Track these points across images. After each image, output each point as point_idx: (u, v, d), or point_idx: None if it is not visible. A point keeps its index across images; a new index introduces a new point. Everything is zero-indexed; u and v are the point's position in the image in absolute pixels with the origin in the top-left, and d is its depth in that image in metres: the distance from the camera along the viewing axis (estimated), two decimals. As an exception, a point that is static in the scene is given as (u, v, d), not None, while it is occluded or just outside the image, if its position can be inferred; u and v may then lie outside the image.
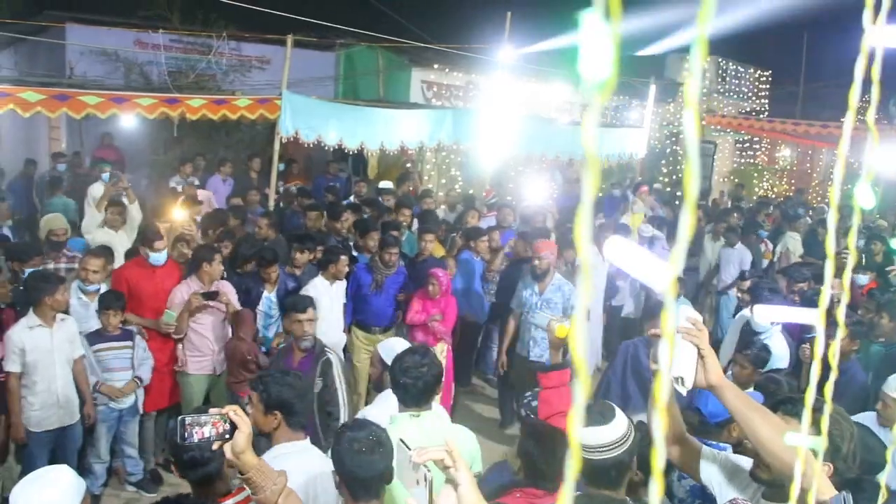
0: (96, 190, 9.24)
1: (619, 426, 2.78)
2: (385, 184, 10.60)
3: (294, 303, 5.25)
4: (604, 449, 2.74)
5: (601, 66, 0.57)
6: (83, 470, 5.69)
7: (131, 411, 5.89)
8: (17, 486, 2.73)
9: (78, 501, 2.74)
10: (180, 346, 6.15)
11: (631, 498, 2.77)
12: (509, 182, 13.68)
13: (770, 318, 5.41)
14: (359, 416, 4.00)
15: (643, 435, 2.87)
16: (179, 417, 2.21)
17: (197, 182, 10.18)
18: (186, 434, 2.18)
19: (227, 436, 2.22)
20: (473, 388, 8.52)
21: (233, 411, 2.25)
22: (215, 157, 11.70)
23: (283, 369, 3.69)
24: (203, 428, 2.19)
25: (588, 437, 2.78)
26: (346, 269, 6.78)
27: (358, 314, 7.11)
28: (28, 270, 6.01)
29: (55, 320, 5.28)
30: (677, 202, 13.33)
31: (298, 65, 9.47)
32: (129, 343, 5.77)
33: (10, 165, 11.64)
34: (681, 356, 2.34)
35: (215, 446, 2.24)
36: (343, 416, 4.89)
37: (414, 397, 3.41)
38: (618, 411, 2.84)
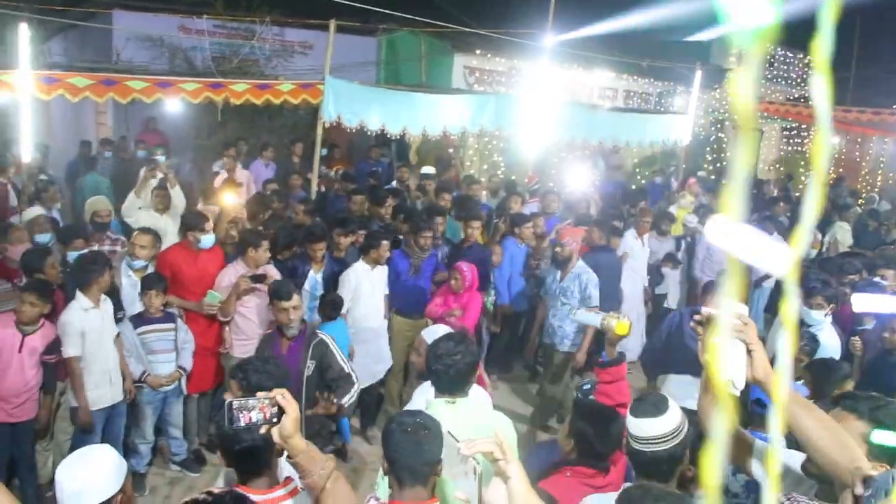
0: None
1: (672, 418, 2.73)
2: (427, 169, 10.57)
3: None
4: (657, 441, 2.69)
5: (760, 10, 0.51)
6: (128, 449, 5.80)
7: (175, 393, 5.96)
8: (61, 465, 2.77)
9: (120, 480, 2.77)
10: (227, 328, 6.20)
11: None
12: (552, 168, 13.56)
13: (867, 308, 5.37)
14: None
15: (694, 427, 2.81)
16: (227, 402, 2.17)
17: (240, 166, 10.25)
18: (234, 419, 2.14)
19: (275, 420, 2.18)
20: (514, 376, 8.48)
21: (280, 395, 2.20)
22: (258, 141, 11.78)
23: (263, 356, 3.62)
24: (250, 412, 2.15)
25: (641, 428, 2.73)
26: (388, 254, 6.74)
27: (397, 301, 7.03)
28: (71, 253, 6.12)
29: (101, 301, 5.36)
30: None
31: (341, 50, 9.46)
32: (171, 325, 5.81)
33: (61, 150, 11.82)
34: (728, 356, 2.24)
35: (263, 430, 2.19)
36: (355, 392, 4.96)
37: (447, 384, 3.38)
38: (671, 402, 2.79)
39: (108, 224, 7.15)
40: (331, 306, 6.29)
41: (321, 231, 6.68)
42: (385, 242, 6.66)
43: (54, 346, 5.20)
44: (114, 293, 5.81)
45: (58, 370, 5.36)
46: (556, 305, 6.81)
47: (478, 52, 14.04)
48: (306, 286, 6.53)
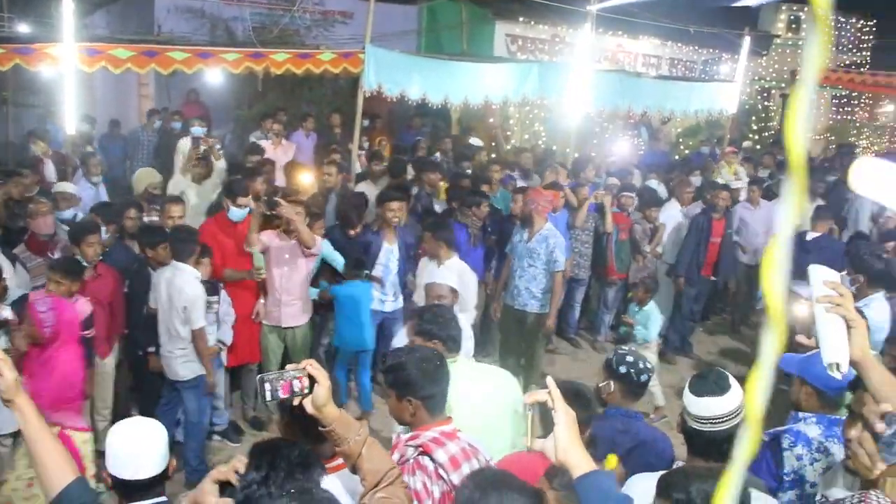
0: (184, 145, 9.42)
1: (734, 397, 2.64)
2: (475, 140, 10.45)
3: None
4: (718, 420, 2.61)
5: None
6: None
7: (216, 364, 5.96)
8: (114, 436, 2.72)
9: (167, 450, 2.76)
10: (261, 300, 6.26)
11: None
12: (593, 138, 13.34)
13: None
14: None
15: None
16: (258, 377, 2.23)
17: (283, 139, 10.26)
18: (267, 393, 2.19)
19: (307, 391, 2.22)
20: (554, 349, 8.38)
21: (310, 365, 2.25)
22: (298, 112, 11.76)
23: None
24: (282, 385, 2.20)
25: (702, 407, 2.64)
26: (395, 213, 6.65)
27: None
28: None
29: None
30: (774, 160, 12.74)
31: (381, 19, 9.35)
32: (216, 298, 5.81)
33: (105, 123, 11.92)
34: (829, 335, 1.97)
35: (296, 402, 2.23)
36: None
37: (453, 344, 3.63)
38: (732, 381, 2.69)
39: (160, 196, 7.21)
40: (353, 264, 6.32)
41: (398, 192, 6.66)
42: (394, 203, 6.57)
43: (89, 321, 5.22)
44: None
45: (96, 346, 5.42)
46: (522, 266, 6.79)
47: (520, 19, 13.81)
48: (382, 260, 6.52)
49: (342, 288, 6.35)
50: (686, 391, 2.78)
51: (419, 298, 5.94)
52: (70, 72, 7.23)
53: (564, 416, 1.97)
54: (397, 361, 2.95)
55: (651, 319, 6.84)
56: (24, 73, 8.44)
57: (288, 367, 2.26)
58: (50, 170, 8.55)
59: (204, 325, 5.42)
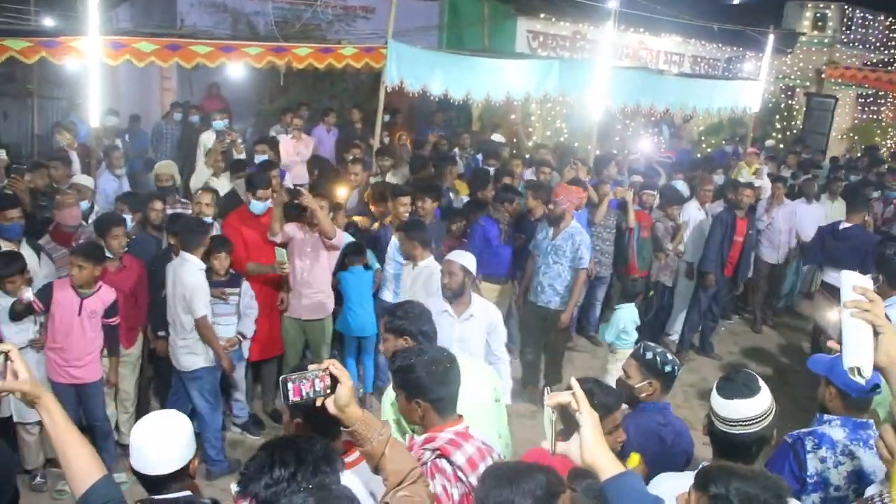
0: (207, 138, 9.45)
1: (764, 398, 2.60)
2: (497, 137, 10.42)
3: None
4: (748, 423, 2.58)
5: None
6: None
7: (237, 356, 6.00)
8: (138, 430, 2.74)
9: (194, 444, 2.79)
10: (282, 294, 6.29)
11: None
12: (615, 135, 13.27)
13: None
14: None
15: None
16: (281, 378, 2.20)
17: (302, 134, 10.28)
18: (289, 393, 2.18)
19: (329, 391, 2.20)
20: (574, 346, 8.35)
21: (332, 365, 2.22)
22: (319, 106, 11.77)
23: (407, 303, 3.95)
24: (305, 385, 2.18)
25: (730, 409, 2.61)
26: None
27: (486, 268, 6.96)
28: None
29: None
30: (798, 159, 12.62)
31: (403, 14, 9.33)
32: (237, 290, 5.84)
33: (128, 116, 12.00)
34: (853, 339, 1.93)
35: (319, 402, 2.21)
36: None
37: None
38: (761, 383, 2.66)
39: (172, 188, 7.23)
40: (353, 250, 6.38)
41: (407, 187, 6.67)
42: (405, 198, 6.64)
43: (113, 309, 5.29)
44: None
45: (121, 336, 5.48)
46: (547, 263, 6.77)
47: (541, 15, 13.73)
48: (390, 254, 6.55)
49: (346, 274, 6.42)
50: (714, 393, 2.74)
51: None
52: (95, 65, 7.26)
53: (590, 418, 1.95)
54: (407, 363, 2.87)
55: (614, 323, 6.46)
56: (49, 66, 8.49)
57: (310, 367, 2.23)
58: (75, 162, 8.62)
59: (206, 315, 5.40)
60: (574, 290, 6.80)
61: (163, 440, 2.68)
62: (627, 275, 8.35)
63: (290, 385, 2.18)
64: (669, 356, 3.69)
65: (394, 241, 6.53)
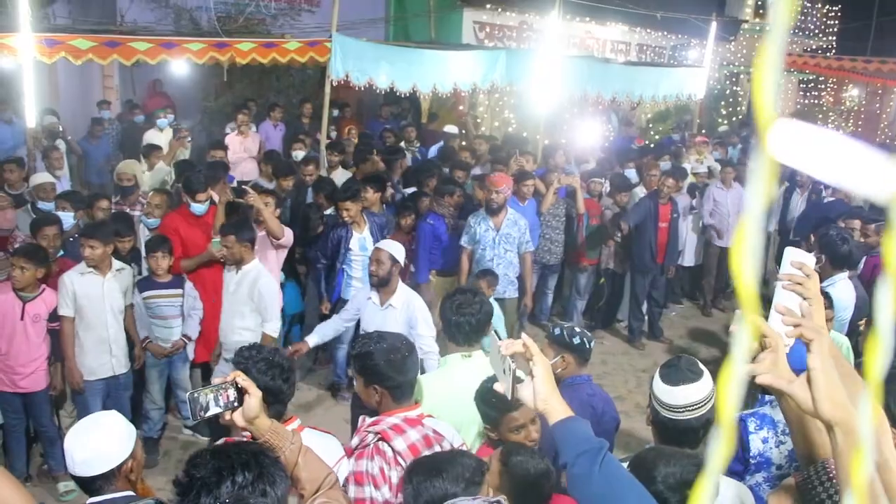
0: (152, 136, 9.29)
1: (707, 382, 2.63)
2: (450, 128, 10.39)
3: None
4: (694, 407, 2.60)
5: None
6: (139, 416, 5.78)
7: (182, 357, 5.90)
8: (69, 432, 2.75)
9: (129, 445, 2.75)
10: None
11: None
12: (563, 124, 13.35)
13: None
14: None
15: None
16: (188, 395, 2.18)
17: (254, 129, 10.16)
18: (196, 410, 2.15)
19: (236, 403, 2.19)
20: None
21: (240, 377, 2.21)
22: (266, 102, 11.62)
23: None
24: (211, 401, 2.16)
25: (675, 396, 2.62)
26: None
27: (437, 262, 7.09)
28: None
29: (110, 269, 5.27)
30: (740, 145, 12.84)
31: (348, 6, 9.26)
32: (179, 291, 5.74)
33: (68, 115, 11.71)
34: (781, 309, 1.94)
35: (227, 416, 2.19)
36: None
37: (466, 336, 3.60)
38: (702, 366, 2.68)
39: (133, 188, 7.10)
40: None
41: (354, 189, 6.57)
42: (347, 202, 6.50)
43: (56, 313, 5.15)
44: (138, 258, 5.87)
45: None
46: (498, 254, 6.77)
47: (488, 6, 13.73)
48: (354, 247, 6.47)
49: None
50: (657, 381, 2.73)
51: None
52: (28, 63, 7.07)
53: (542, 367, 2.00)
54: (365, 350, 2.97)
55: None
56: (-20, 64, 8.27)
57: (215, 380, 2.25)
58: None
59: (66, 315, 5.12)
60: (528, 273, 6.91)
61: (90, 441, 2.67)
62: (578, 263, 8.43)
63: (196, 400, 2.15)
64: (577, 329, 3.81)
65: (356, 235, 6.48)
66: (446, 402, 3.38)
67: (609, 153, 11.11)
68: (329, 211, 7.07)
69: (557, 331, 3.80)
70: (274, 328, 5.41)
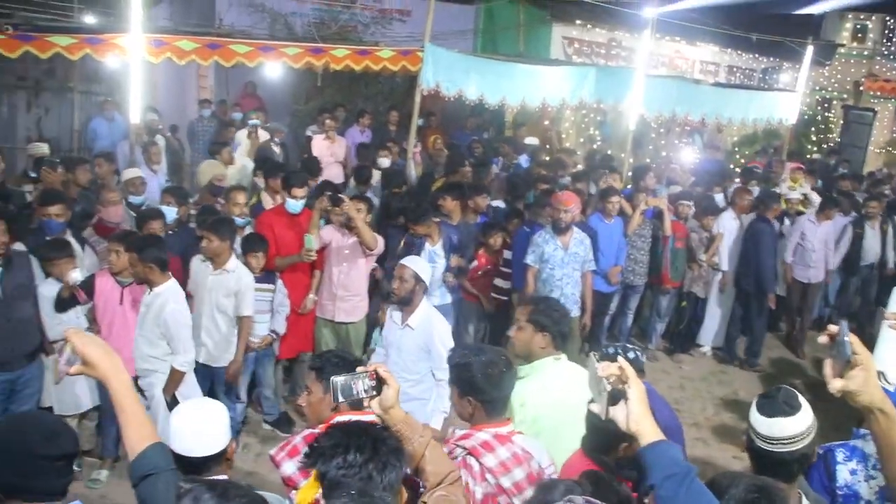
0: (242, 136, 9.55)
1: (806, 416, 2.55)
2: (531, 139, 10.37)
3: None
4: (789, 441, 2.53)
5: None
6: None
7: (268, 353, 6.05)
8: (175, 414, 2.87)
9: (230, 430, 2.89)
10: (311, 295, 6.30)
11: None
12: (648, 144, 13.20)
13: None
14: None
15: None
16: (332, 380, 2.28)
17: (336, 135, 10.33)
18: (338, 393, 2.26)
19: (375, 392, 2.28)
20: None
21: (381, 368, 2.30)
22: (354, 108, 11.81)
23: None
24: (354, 387, 2.26)
25: (771, 428, 2.56)
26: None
27: None
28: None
29: (223, 265, 5.45)
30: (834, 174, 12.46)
31: (439, 18, 9.33)
32: (271, 286, 5.87)
33: (165, 112, 12.11)
34: (885, 348, 2.01)
35: (366, 403, 2.30)
36: None
37: (561, 341, 3.66)
38: (802, 399, 2.61)
39: (224, 188, 7.32)
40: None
41: (422, 210, 6.58)
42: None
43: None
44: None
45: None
46: (567, 273, 6.66)
47: (577, 22, 13.69)
48: (424, 258, 6.50)
49: None
50: (754, 411, 2.68)
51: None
52: (136, 62, 7.34)
53: (636, 390, 2.06)
54: (465, 361, 2.97)
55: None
56: (88, 63, 8.62)
57: (359, 368, 2.32)
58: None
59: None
60: (588, 294, 6.88)
61: (202, 422, 2.79)
62: (660, 285, 8.30)
63: (339, 385, 2.25)
64: (629, 346, 3.75)
65: (427, 247, 6.51)
66: (546, 407, 3.43)
67: (697, 175, 10.90)
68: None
69: (611, 350, 3.75)
70: (182, 362, 4.92)
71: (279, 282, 5.94)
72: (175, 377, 4.89)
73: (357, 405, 2.40)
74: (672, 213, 8.21)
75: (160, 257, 4.80)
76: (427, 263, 5.00)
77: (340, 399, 2.27)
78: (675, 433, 3.57)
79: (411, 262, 4.81)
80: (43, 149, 7.94)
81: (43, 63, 9.17)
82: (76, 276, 4.95)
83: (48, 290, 5.11)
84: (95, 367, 2.21)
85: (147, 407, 4.73)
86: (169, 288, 4.89)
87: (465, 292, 7.15)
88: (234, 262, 5.51)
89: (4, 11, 8.12)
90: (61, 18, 8.70)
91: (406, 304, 4.73)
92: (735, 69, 16.46)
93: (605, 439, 2.98)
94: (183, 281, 5.81)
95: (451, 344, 4.64)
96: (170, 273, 4.93)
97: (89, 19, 9.56)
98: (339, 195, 5.95)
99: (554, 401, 3.45)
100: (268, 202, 7.01)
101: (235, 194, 6.49)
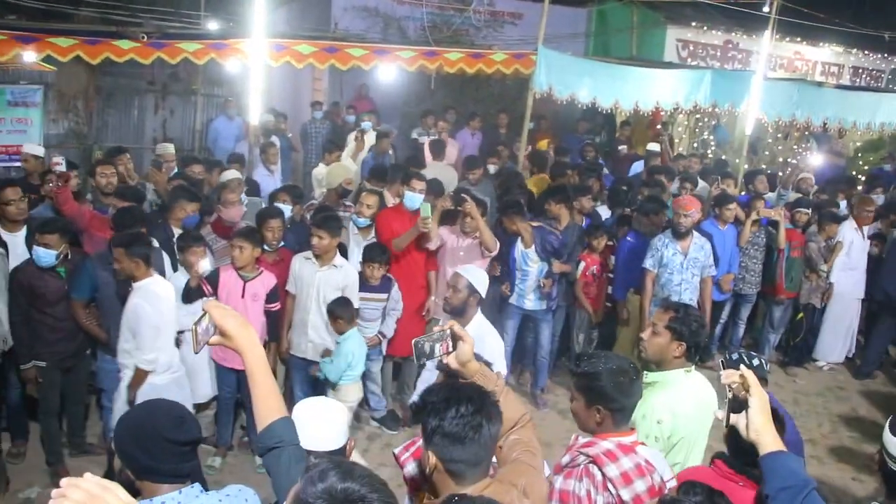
0: (353, 138, 9.79)
1: None
2: (653, 146, 10.20)
3: None
4: None
5: None
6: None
7: (376, 352, 6.18)
8: (298, 409, 2.99)
9: (346, 433, 3.02)
10: (432, 297, 6.38)
11: None
12: (765, 149, 12.77)
13: None
14: None
15: None
16: (413, 340, 2.44)
17: (446, 135, 10.45)
18: (420, 353, 2.43)
19: (451, 349, 2.45)
20: (714, 366, 8.08)
21: (455, 326, 2.47)
22: (464, 111, 11.92)
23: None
24: (434, 346, 2.43)
25: None
26: None
27: (634, 283, 6.96)
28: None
29: (330, 262, 5.62)
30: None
31: (551, 20, 9.29)
32: (385, 296, 6.00)
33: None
34: None
35: (445, 359, 2.46)
36: None
37: (693, 351, 3.63)
38: None
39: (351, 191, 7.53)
40: None
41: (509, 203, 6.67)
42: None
43: (275, 294, 5.53)
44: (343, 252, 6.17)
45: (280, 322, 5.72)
46: (686, 279, 6.57)
47: (692, 24, 13.37)
48: (517, 259, 6.58)
49: None
50: (887, 432, 2.60)
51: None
52: (258, 66, 7.65)
53: (758, 399, 2.10)
54: (593, 370, 2.91)
55: (341, 353, 5.42)
56: (212, 66, 9.01)
57: (435, 328, 2.48)
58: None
59: (288, 290, 5.69)
60: (707, 299, 6.79)
61: (327, 419, 2.95)
62: (774, 295, 8.02)
63: (419, 347, 2.43)
64: (753, 353, 3.60)
65: (520, 249, 6.54)
66: (682, 419, 3.42)
67: (818, 182, 10.48)
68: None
69: (735, 356, 3.66)
70: (144, 361, 4.75)
71: (395, 287, 6.07)
72: (138, 375, 4.77)
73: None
74: (789, 220, 7.93)
75: (146, 253, 4.80)
76: (485, 274, 4.75)
77: (421, 359, 2.47)
78: (794, 446, 3.47)
79: (467, 272, 4.61)
80: (169, 149, 8.35)
81: (168, 67, 9.64)
82: (206, 265, 5.25)
83: (178, 281, 5.41)
84: (233, 338, 2.28)
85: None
86: (146, 284, 4.80)
87: (575, 300, 7.14)
88: (340, 258, 5.71)
89: (136, 21, 8.61)
90: (189, 26, 9.13)
91: (458, 314, 4.46)
92: (861, 70, 15.68)
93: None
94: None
95: (501, 364, 4.46)
96: (153, 270, 4.88)
97: (212, 26, 10.03)
98: (463, 194, 6.05)
99: (688, 412, 3.42)
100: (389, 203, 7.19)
101: (367, 196, 6.59)
